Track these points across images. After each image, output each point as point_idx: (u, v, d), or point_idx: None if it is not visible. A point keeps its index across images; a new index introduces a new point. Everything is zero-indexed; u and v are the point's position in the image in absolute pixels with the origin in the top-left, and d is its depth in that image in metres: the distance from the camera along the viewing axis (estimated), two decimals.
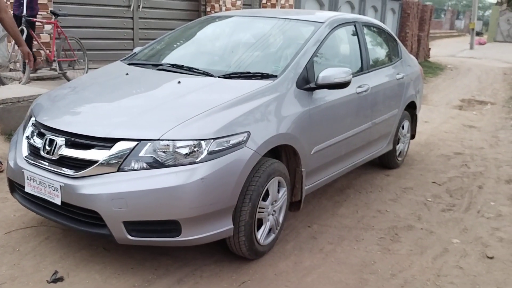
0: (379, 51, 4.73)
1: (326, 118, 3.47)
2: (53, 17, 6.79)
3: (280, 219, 3.18)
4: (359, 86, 3.91)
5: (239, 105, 2.88)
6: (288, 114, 3.09)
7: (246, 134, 2.74)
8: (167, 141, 2.58)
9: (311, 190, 3.56)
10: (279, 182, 3.07)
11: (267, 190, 2.93)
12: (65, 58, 6.91)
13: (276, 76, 3.20)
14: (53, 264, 2.82)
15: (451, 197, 4.38)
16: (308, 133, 3.26)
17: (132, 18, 8.61)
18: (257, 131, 2.82)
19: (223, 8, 9.88)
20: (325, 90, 3.39)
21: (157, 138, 2.57)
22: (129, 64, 3.71)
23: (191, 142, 2.59)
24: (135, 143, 2.57)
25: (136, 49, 4.12)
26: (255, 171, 2.82)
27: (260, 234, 2.97)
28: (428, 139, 6.53)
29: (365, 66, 4.17)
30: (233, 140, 2.68)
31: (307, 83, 3.32)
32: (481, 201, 4.32)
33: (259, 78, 3.21)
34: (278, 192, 3.09)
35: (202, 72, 3.34)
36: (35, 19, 6.48)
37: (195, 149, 2.59)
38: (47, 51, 6.74)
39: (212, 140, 2.61)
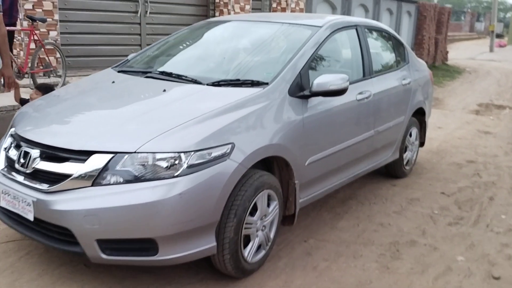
0: (383, 56, 4.52)
1: (322, 127, 3.29)
2: (31, 22, 5.96)
3: (271, 235, 3.00)
4: (360, 93, 3.72)
5: (225, 114, 2.72)
6: (278, 124, 2.92)
7: (230, 146, 2.58)
8: (144, 154, 2.43)
9: (307, 203, 3.38)
10: (269, 196, 2.90)
11: (255, 205, 2.77)
12: (40, 69, 6.03)
13: (267, 84, 3.04)
14: (29, 282, 2.70)
15: (460, 209, 4.14)
16: (301, 143, 3.08)
17: (139, 24, 8.55)
18: (242, 143, 2.65)
19: (232, 13, 9.74)
20: (322, 97, 3.22)
21: (133, 151, 2.43)
22: (118, 72, 3.58)
23: (170, 155, 2.44)
24: (110, 155, 2.43)
25: (130, 56, 4.00)
26: (241, 185, 2.65)
27: (248, 251, 2.80)
28: (441, 145, 6.28)
29: (367, 72, 3.97)
30: (215, 153, 2.52)
31: (301, 90, 3.15)
32: (491, 214, 4.07)
33: (249, 85, 3.05)
34: (269, 206, 2.92)
35: (190, 79, 3.19)
36: (13, 28, 5.61)
37: (175, 162, 2.43)
38: (19, 62, 5.96)
39: (193, 153, 2.46)
